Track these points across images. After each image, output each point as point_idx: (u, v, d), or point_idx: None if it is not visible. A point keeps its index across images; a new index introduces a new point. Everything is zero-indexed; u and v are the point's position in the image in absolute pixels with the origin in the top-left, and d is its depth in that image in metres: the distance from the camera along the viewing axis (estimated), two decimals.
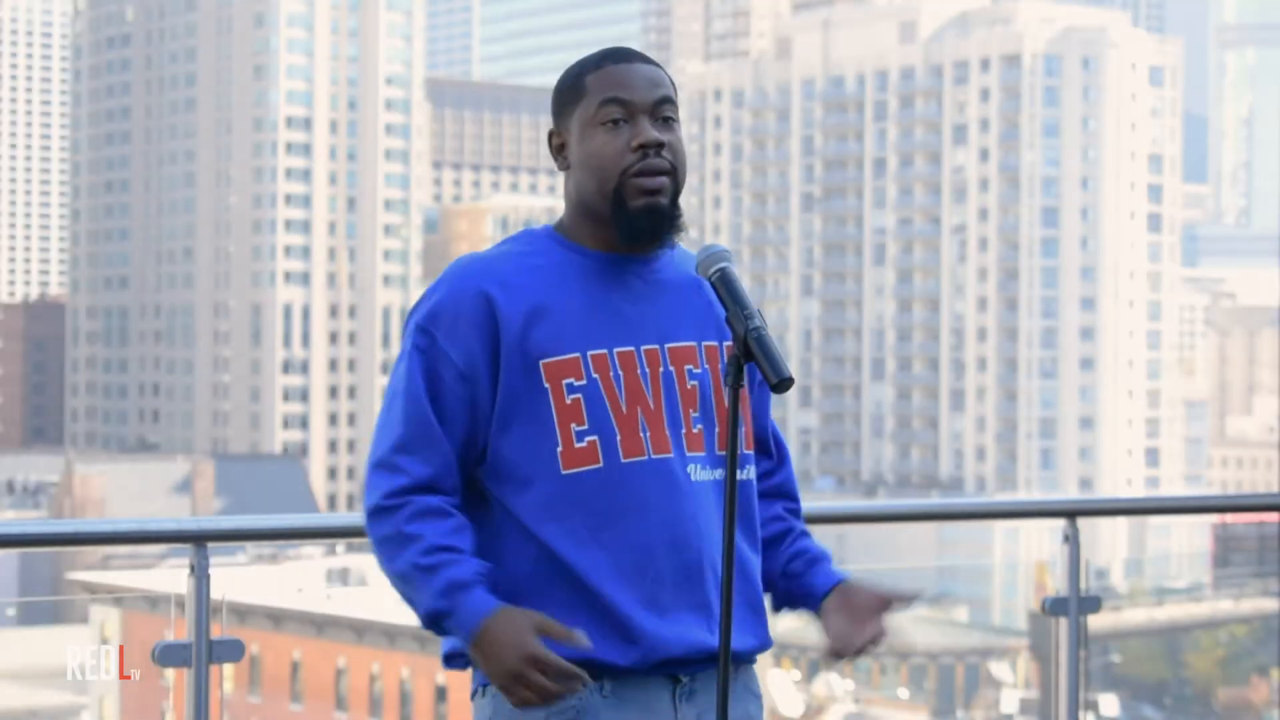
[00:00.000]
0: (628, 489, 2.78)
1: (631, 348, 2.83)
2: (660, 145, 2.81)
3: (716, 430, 2.86)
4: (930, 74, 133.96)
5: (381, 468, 2.80)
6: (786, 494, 3.04)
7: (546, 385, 2.79)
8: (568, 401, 2.78)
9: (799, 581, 2.97)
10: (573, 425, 2.78)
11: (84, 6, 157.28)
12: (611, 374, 2.81)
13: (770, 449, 3.03)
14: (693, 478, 2.83)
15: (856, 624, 2.86)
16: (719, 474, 2.85)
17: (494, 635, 2.70)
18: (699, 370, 2.87)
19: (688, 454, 2.83)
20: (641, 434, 2.80)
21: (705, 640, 2.81)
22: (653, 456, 2.80)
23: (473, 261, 2.85)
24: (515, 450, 2.80)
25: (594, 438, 2.78)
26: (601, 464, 2.78)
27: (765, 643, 2.92)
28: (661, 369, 2.84)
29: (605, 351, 2.81)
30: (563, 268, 2.85)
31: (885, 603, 2.87)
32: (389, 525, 2.77)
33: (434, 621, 2.76)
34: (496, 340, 2.79)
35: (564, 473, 2.78)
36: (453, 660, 2.85)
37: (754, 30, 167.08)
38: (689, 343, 2.87)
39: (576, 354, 2.79)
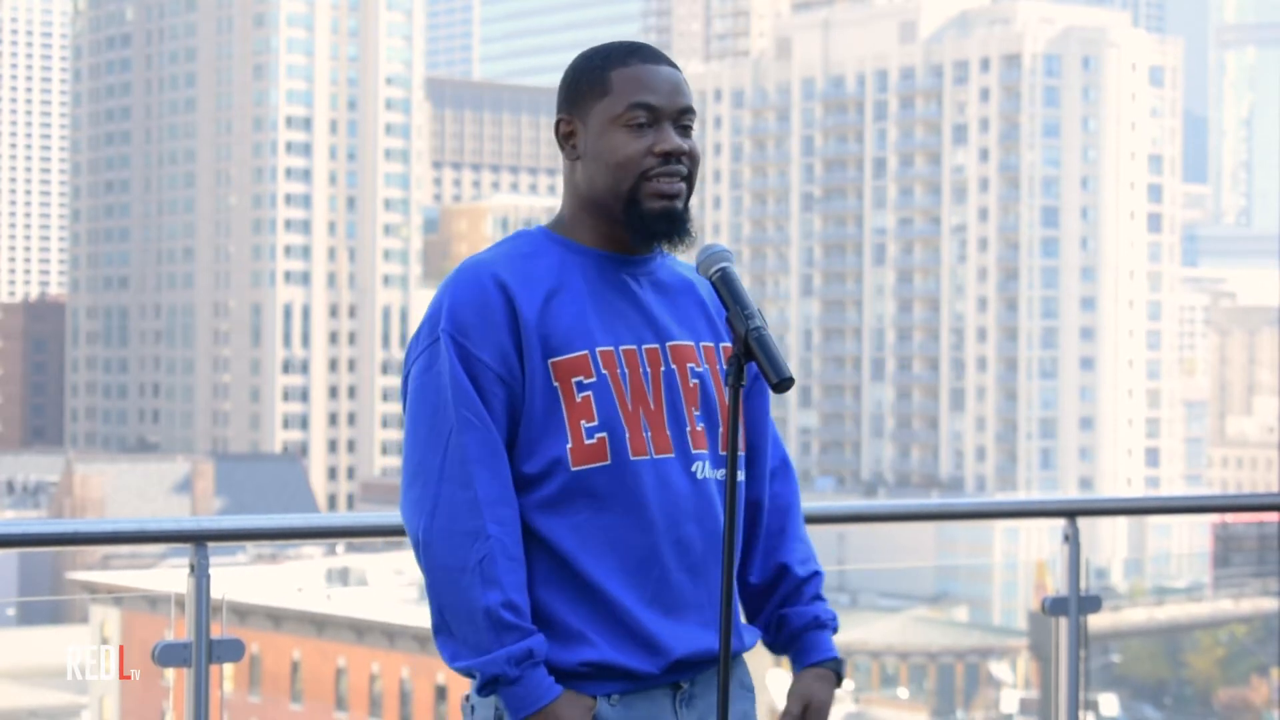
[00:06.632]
0: (633, 487, 2.78)
1: (634, 346, 2.83)
2: (682, 153, 2.83)
3: (720, 431, 2.87)
4: (930, 74, 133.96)
5: (453, 482, 2.75)
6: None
7: (556, 384, 2.78)
8: (578, 399, 2.78)
9: (794, 639, 3.00)
10: (583, 422, 2.78)
11: (84, 6, 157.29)
12: (619, 371, 2.81)
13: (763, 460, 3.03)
14: (698, 475, 2.83)
15: None
16: (721, 474, 2.86)
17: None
18: (700, 369, 2.87)
19: (693, 452, 2.83)
20: (644, 434, 2.80)
21: (709, 643, 2.82)
22: (655, 457, 2.80)
23: (480, 259, 2.84)
24: (527, 447, 2.80)
25: (603, 434, 2.78)
26: (609, 461, 2.78)
27: (757, 639, 2.94)
28: (663, 367, 2.84)
29: (612, 348, 2.81)
30: (563, 265, 2.84)
31: None
32: (470, 553, 2.74)
33: (488, 678, 2.75)
34: (519, 331, 2.78)
35: (573, 469, 2.77)
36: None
37: (754, 30, 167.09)
38: (688, 341, 2.88)
39: (585, 351, 2.79)
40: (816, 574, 2.99)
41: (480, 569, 2.73)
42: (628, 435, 2.78)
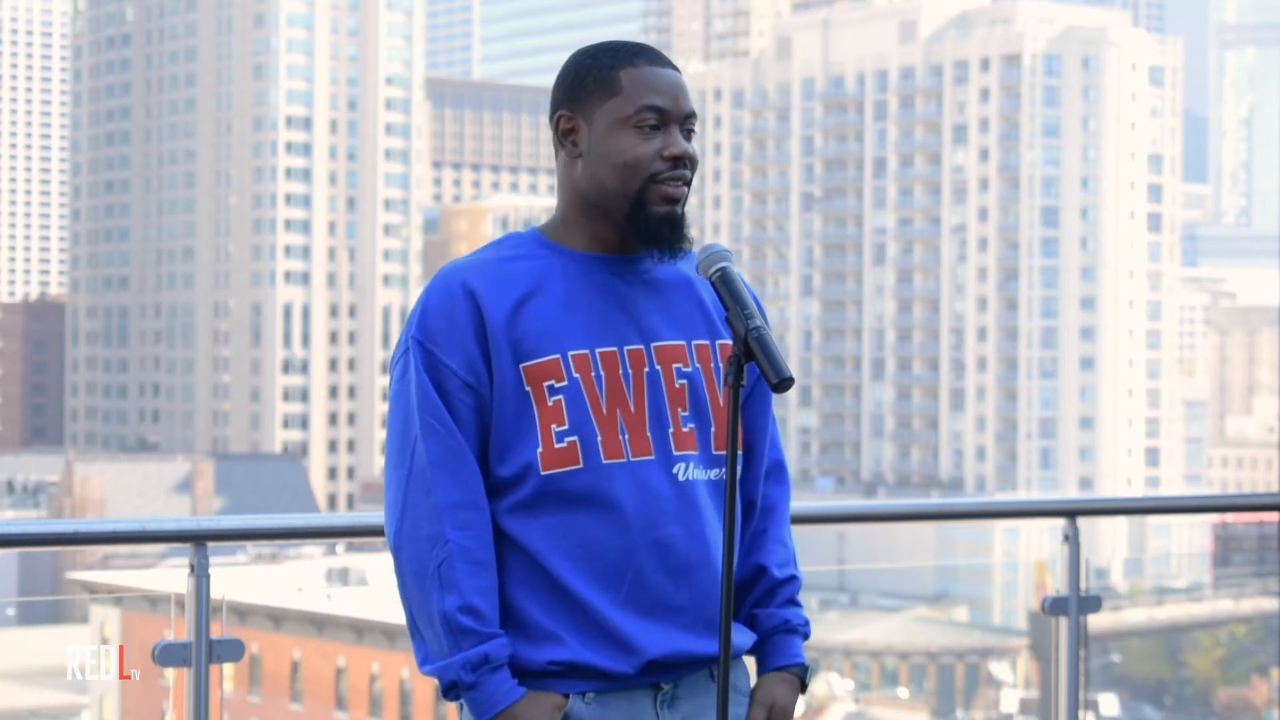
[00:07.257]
0: (607, 490, 2.77)
1: (614, 348, 2.82)
2: (688, 157, 2.84)
3: (711, 430, 2.85)
4: (930, 74, 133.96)
5: (418, 487, 2.77)
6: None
7: (528, 389, 2.78)
8: (549, 404, 2.77)
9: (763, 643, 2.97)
10: (553, 426, 2.78)
11: (84, 6, 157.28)
12: (593, 374, 2.80)
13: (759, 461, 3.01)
14: (680, 477, 2.81)
15: None
16: (714, 474, 2.84)
17: None
18: (689, 369, 2.85)
19: (675, 454, 2.82)
20: (620, 436, 2.79)
21: (687, 645, 2.81)
22: (631, 459, 2.79)
23: (454, 265, 2.85)
24: (499, 452, 2.80)
25: (574, 438, 2.77)
26: (581, 465, 2.77)
27: (751, 641, 2.92)
28: (646, 369, 2.83)
29: (587, 351, 2.80)
30: (545, 269, 2.84)
31: None
32: (430, 558, 2.75)
33: (446, 683, 2.76)
34: (485, 337, 2.79)
35: (544, 473, 2.77)
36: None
37: (754, 30, 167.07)
38: (677, 341, 2.86)
39: (556, 355, 2.79)
40: (794, 579, 2.97)
41: (439, 574, 2.74)
42: (600, 438, 2.77)
